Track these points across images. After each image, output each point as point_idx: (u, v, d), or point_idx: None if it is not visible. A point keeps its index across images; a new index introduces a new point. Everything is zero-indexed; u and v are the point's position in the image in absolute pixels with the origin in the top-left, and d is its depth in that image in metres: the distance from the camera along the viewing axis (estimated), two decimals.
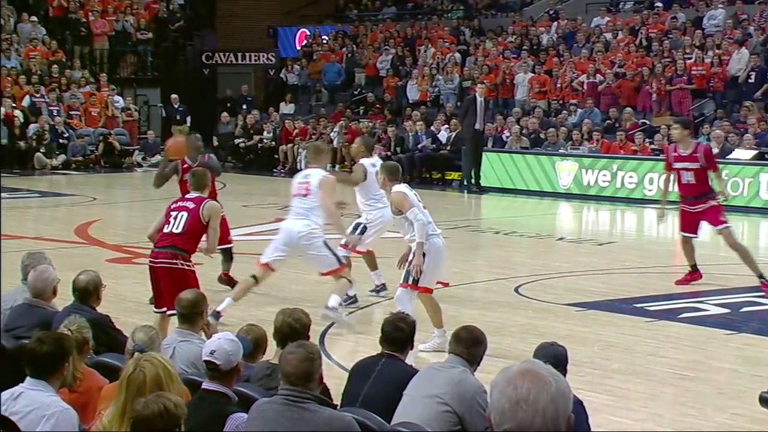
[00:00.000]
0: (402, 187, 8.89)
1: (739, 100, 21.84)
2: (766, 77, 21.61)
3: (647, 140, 21.23)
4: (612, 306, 10.79)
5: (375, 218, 10.71)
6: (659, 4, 26.40)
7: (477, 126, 22.08)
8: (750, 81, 21.80)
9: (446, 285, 9.47)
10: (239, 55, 31.86)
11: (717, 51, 22.73)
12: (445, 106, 25.37)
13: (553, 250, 15.36)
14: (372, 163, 10.78)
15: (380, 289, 11.13)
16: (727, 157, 19.18)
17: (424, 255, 8.63)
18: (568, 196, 20.97)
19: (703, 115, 22.50)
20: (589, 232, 18.10)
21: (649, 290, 11.63)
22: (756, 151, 18.91)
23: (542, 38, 26.93)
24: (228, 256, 11.51)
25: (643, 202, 19.82)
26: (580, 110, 23.47)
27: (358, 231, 10.70)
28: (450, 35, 28.66)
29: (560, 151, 21.86)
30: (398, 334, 5.86)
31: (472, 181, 22.30)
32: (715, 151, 19.58)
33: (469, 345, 5.58)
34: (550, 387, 2.60)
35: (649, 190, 20.08)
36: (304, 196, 9.72)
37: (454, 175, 23.31)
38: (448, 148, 23.56)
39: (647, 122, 22.53)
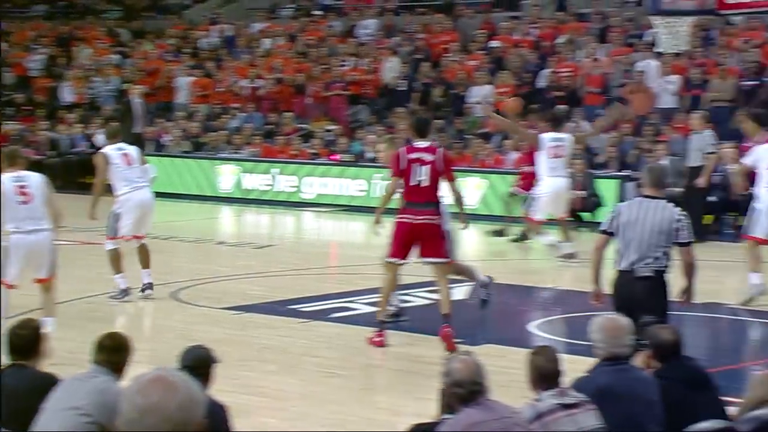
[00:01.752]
0: (105, 150, 10.87)
1: (391, 106, 22.81)
2: (415, 84, 22.72)
3: (306, 145, 21.72)
4: (268, 308, 10.95)
5: None
6: (316, 12, 27.11)
7: (136, 129, 21.68)
8: (401, 88, 22.85)
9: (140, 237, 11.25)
10: None
11: (370, 59, 23.65)
12: (102, 109, 24.72)
13: (212, 254, 15.37)
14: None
15: None
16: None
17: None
18: (229, 200, 21.06)
19: (359, 121, 23.32)
20: (249, 236, 18.23)
21: (305, 292, 11.89)
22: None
23: (203, 42, 26.89)
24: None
25: (302, 205, 20.26)
26: (241, 114, 23.64)
27: None
28: (107, 36, 27.97)
29: (221, 155, 21.92)
30: (17, 341, 5.60)
31: None
32: (370, 155, 20.37)
33: (112, 353, 5.44)
34: (180, 393, 2.60)
35: (308, 194, 20.56)
36: None
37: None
38: None
39: (306, 127, 23.04)
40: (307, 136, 22.21)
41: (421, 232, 9.22)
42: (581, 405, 4.85)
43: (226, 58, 25.70)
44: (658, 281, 7.22)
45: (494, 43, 23.03)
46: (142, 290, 11.33)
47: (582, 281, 13.18)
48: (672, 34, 11.00)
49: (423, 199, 9.18)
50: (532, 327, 10.17)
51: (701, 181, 15.30)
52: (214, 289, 11.97)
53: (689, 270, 7.48)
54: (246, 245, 16.07)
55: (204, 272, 13.14)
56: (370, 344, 9.26)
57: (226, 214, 20.53)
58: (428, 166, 9.14)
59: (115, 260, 11.22)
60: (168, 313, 10.82)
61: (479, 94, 21.43)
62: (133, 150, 11.43)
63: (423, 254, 9.34)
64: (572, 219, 17.49)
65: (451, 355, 4.78)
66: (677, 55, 18.92)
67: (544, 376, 4.95)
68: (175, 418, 2.58)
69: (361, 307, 11.05)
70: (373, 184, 19.69)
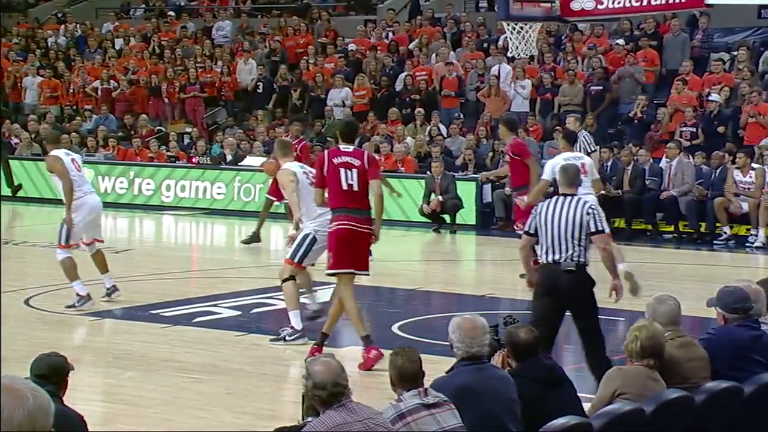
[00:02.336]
0: (57, 152, 11.01)
1: (249, 108, 22.74)
2: (273, 87, 22.70)
3: (163, 147, 21.45)
4: (129, 314, 10.82)
5: None
6: (171, 13, 26.80)
7: None
8: (258, 91, 22.79)
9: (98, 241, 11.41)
10: None
11: (226, 60, 23.50)
12: None
13: None
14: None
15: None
16: (239, 163, 19.92)
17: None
18: None
19: (217, 123, 23.17)
20: (107, 240, 17.81)
21: (167, 296, 11.76)
22: (265, 158, 19.78)
23: (51, 41, 26.25)
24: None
25: (161, 208, 19.99)
26: (95, 116, 23.18)
27: None
28: None
29: None
30: None
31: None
32: (229, 158, 20.28)
33: None
34: (27, 402, 2.56)
35: (167, 197, 20.30)
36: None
37: None
38: None
39: (163, 129, 22.76)
40: (164, 139, 21.93)
41: (361, 243, 8.79)
42: (442, 404, 4.96)
43: (76, 58, 25.15)
44: (581, 274, 7.75)
45: (351, 47, 23.21)
46: (108, 294, 11.18)
47: (444, 283, 13.49)
48: (522, 39, 11.30)
49: (359, 204, 8.75)
50: (395, 328, 10.31)
51: None
52: (70, 295, 11.71)
53: (607, 258, 8.00)
54: (104, 249, 15.74)
55: (59, 278, 12.81)
56: (366, 367, 8.62)
57: None
58: (357, 170, 8.72)
59: (71, 268, 10.95)
60: (21, 320, 10.54)
61: (337, 96, 21.56)
62: (76, 154, 11.41)
63: (356, 266, 8.83)
64: (433, 221, 17.79)
65: (311, 358, 4.83)
66: (530, 59, 19.44)
67: (406, 376, 5.04)
68: (24, 428, 2.55)
69: (224, 311, 11.02)
70: (232, 187, 19.60)
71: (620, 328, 9.99)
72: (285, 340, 9.45)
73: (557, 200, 7.85)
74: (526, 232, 7.95)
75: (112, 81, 23.77)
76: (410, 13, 24.72)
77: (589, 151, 15.73)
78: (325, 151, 9.21)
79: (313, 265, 9.83)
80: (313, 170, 9.26)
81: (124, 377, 8.49)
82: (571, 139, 13.14)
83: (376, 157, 13.30)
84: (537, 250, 8.07)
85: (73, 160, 11.10)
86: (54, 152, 11.07)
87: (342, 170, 8.70)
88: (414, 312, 11.53)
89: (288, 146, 10.58)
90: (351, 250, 8.74)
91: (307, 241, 9.42)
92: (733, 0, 17.49)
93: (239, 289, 12.32)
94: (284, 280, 9.48)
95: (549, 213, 7.76)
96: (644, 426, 5.05)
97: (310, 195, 9.26)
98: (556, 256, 7.70)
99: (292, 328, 9.46)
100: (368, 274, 9.17)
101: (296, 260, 9.42)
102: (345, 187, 8.70)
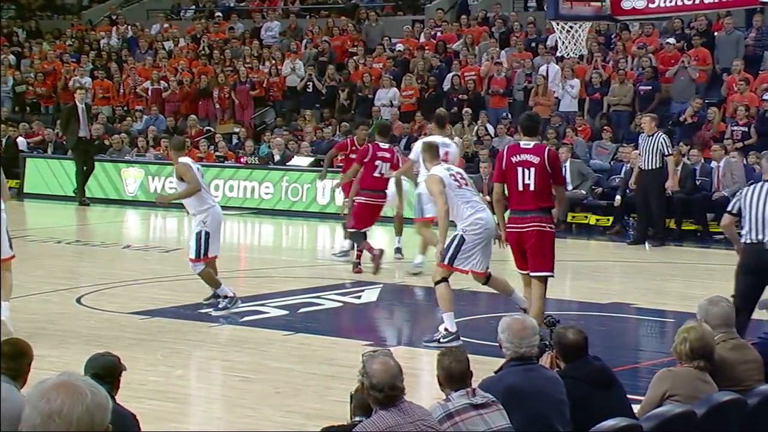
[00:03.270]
0: (186, 160, 10.75)
1: (297, 109, 22.82)
2: (318, 88, 22.72)
3: (211, 147, 21.58)
4: (178, 313, 10.87)
5: None
6: (219, 14, 26.97)
7: (81, 133, 20.97)
8: (308, 90, 22.85)
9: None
10: None
11: (274, 61, 23.60)
12: None
13: (118, 258, 15.19)
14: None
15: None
16: (287, 163, 20.00)
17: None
18: (134, 203, 20.80)
19: (265, 123, 23.28)
20: (157, 239, 18.08)
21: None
22: (312, 158, 19.86)
23: (103, 43, 26.52)
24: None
25: None
26: (145, 117, 23.39)
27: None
28: (1, 35, 27.46)
29: (126, 158, 21.64)
30: None
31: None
32: (277, 158, 20.35)
33: (11, 359, 5.32)
34: (86, 398, 2.59)
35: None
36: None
37: (11, 183, 22.25)
38: None
39: (212, 129, 22.91)
40: (213, 139, 22.07)
41: (529, 241, 8.58)
42: (490, 405, 4.94)
43: (127, 59, 25.38)
44: None
45: (399, 47, 23.20)
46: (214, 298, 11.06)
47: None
48: (571, 38, 11.23)
49: (530, 206, 8.49)
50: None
51: (670, 184, 15.63)
52: (121, 294, 11.85)
53: None
54: (153, 249, 15.93)
55: (110, 277, 12.99)
56: None
57: (132, 217, 20.28)
58: (535, 169, 8.41)
59: (212, 278, 10.87)
60: (73, 318, 10.67)
61: (385, 96, 21.57)
62: (194, 164, 11.20)
63: (529, 267, 8.73)
64: None
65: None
66: (580, 58, 19.31)
67: (453, 376, 5.03)
68: (82, 424, 2.57)
69: (272, 310, 11.06)
70: (280, 187, 19.66)
71: (669, 329, 9.89)
72: (439, 342, 9.18)
73: (762, 185, 8.41)
74: (729, 212, 8.59)
75: (162, 82, 23.96)
76: (458, 12, 24.66)
77: (665, 153, 15.56)
78: (506, 148, 8.89)
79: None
80: (459, 171, 9.54)
81: (173, 375, 8.55)
82: (441, 122, 13.19)
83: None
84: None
85: (198, 168, 10.99)
86: (183, 159, 10.93)
87: (519, 169, 8.47)
88: (462, 312, 11.48)
89: (435, 149, 10.00)
90: (518, 252, 8.72)
91: (455, 242, 9.22)
92: None
93: (286, 288, 12.37)
94: (437, 283, 9.32)
95: (755, 196, 8.35)
96: (695, 429, 5.00)
97: (458, 198, 9.20)
98: (760, 236, 8.25)
99: (446, 330, 9.29)
100: (551, 275, 8.78)
101: (446, 262, 9.23)
102: (521, 188, 8.48)
